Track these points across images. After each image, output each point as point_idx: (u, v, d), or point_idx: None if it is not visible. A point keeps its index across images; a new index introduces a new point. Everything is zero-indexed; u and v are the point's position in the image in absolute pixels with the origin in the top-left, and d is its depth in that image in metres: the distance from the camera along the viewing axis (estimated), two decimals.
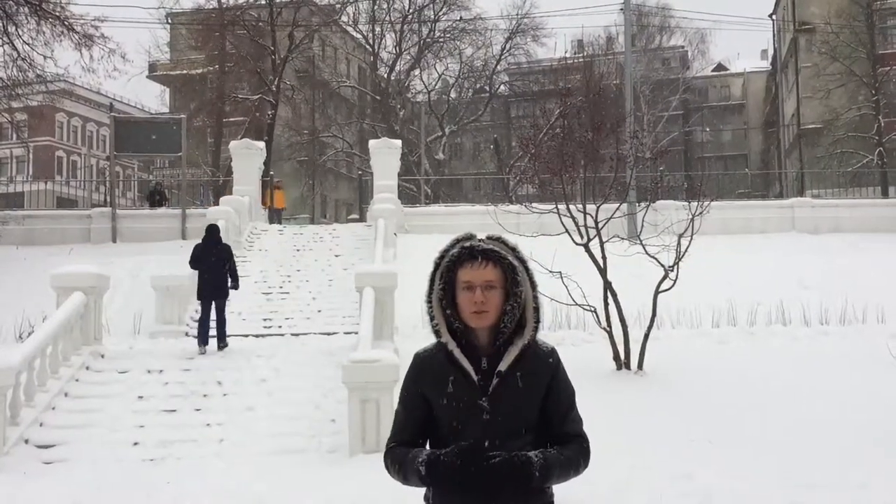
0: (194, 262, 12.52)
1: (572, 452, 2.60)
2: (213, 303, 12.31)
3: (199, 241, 12.92)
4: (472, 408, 2.55)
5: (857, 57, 35.42)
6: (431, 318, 2.63)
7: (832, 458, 8.13)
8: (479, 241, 2.66)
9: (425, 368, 2.64)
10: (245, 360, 12.14)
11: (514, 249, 2.67)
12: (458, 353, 2.57)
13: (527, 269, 2.65)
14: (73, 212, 25.61)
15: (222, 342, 12.30)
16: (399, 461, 2.59)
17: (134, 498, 7.75)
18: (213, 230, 12.89)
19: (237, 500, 7.60)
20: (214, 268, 12.35)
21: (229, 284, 12.45)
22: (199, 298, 12.48)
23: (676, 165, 50.54)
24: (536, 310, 2.63)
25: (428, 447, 2.63)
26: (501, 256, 2.61)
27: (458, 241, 2.68)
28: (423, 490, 2.66)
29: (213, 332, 12.29)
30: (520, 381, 2.57)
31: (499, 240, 2.68)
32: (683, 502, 7.01)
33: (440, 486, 2.53)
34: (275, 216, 26.74)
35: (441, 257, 2.66)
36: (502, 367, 2.57)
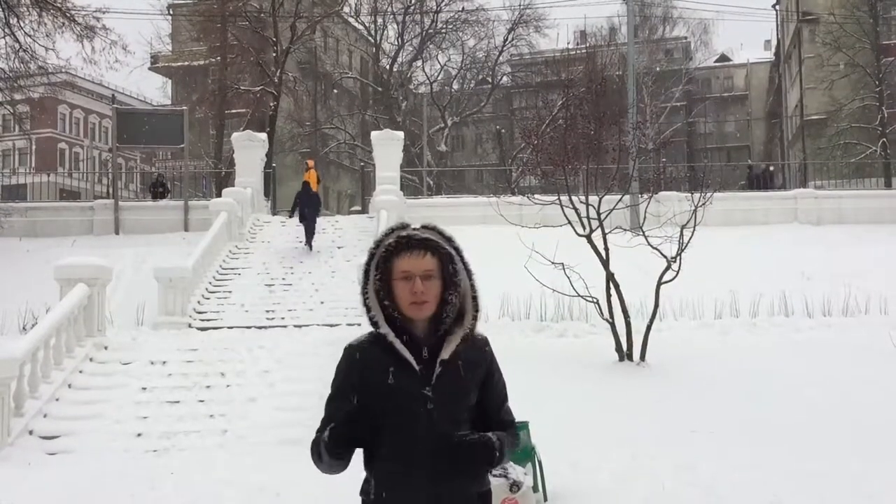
0: (300, 198, 19.84)
1: (512, 438, 2.65)
2: (309, 222, 19.38)
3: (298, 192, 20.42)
4: (415, 398, 2.51)
5: (860, 48, 35.26)
6: (368, 310, 2.58)
7: (834, 449, 8.15)
8: (415, 230, 2.61)
9: (362, 360, 2.58)
10: (248, 352, 12.18)
11: (449, 239, 2.63)
12: (398, 343, 2.53)
13: (462, 258, 2.62)
14: (76, 204, 25.61)
15: (311, 244, 19.33)
16: (314, 444, 2.56)
17: (137, 489, 7.78)
18: (307, 184, 20.40)
19: (240, 490, 7.63)
20: (311, 203, 19.60)
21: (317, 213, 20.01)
22: (300, 221, 19.62)
23: (679, 156, 50.48)
24: (475, 299, 2.61)
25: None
26: (439, 245, 2.57)
27: (392, 230, 2.63)
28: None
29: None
30: (462, 369, 2.56)
31: (434, 229, 2.64)
32: (685, 492, 7.03)
33: (335, 446, 2.48)
34: None
35: (376, 247, 2.61)
36: (444, 355, 2.54)
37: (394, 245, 2.57)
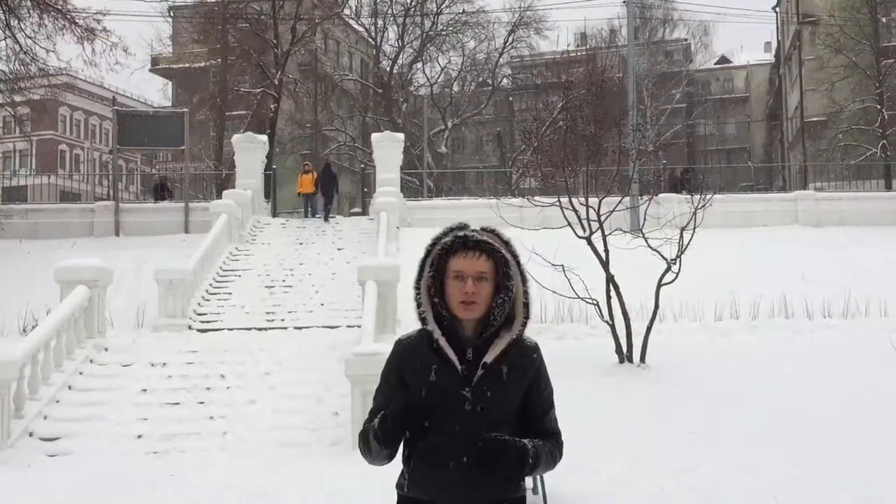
0: (320, 178, 24.25)
1: (552, 447, 2.63)
2: (326, 201, 23.54)
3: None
4: (454, 397, 2.52)
5: (860, 49, 35.26)
6: (418, 306, 2.60)
7: (834, 453, 8.14)
8: (474, 231, 2.62)
9: (408, 355, 2.61)
10: (248, 354, 12.19)
11: (507, 243, 2.63)
12: (443, 341, 2.55)
13: (519, 263, 2.62)
14: (77, 205, 25.61)
15: (328, 218, 23.08)
16: (363, 433, 2.60)
17: (137, 490, 7.78)
18: (328, 165, 25.48)
19: (240, 492, 7.63)
20: (329, 184, 23.96)
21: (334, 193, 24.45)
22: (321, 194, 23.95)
23: (679, 158, 50.46)
24: (526, 305, 2.61)
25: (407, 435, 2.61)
26: (495, 249, 2.58)
27: (451, 229, 2.64)
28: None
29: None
30: (505, 374, 2.56)
31: (493, 232, 2.64)
32: (685, 495, 7.04)
33: (382, 433, 2.52)
34: (306, 202, 25.61)
35: (433, 244, 2.62)
36: (488, 358, 2.55)
37: (450, 244, 2.58)
